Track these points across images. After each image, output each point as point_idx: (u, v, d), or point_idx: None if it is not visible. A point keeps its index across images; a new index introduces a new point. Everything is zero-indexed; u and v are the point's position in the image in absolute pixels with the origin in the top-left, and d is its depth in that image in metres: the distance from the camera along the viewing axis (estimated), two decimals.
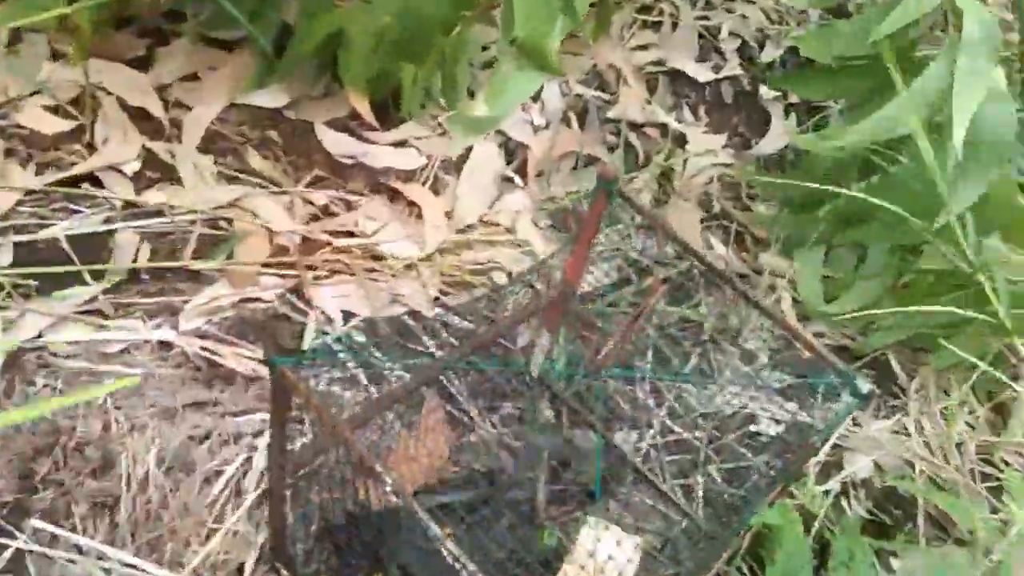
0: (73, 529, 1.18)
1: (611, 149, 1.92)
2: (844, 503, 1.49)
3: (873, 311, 1.66)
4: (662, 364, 1.61)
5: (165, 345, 1.40)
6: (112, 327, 1.40)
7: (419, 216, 1.69)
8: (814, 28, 2.21)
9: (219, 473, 1.28)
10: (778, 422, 1.58)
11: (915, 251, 1.73)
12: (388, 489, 0.87)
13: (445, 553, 0.85)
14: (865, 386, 1.12)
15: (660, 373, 1.57)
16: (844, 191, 1.57)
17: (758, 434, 1.56)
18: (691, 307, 1.71)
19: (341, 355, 0.98)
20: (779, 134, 2.08)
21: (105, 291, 1.43)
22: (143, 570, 1.15)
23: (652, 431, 1.51)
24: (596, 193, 1.29)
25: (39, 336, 1.37)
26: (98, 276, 1.44)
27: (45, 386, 1.32)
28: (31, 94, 1.56)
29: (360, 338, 1.38)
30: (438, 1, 1.43)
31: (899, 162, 1.62)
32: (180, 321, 1.43)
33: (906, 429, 1.62)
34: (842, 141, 1.52)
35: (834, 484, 1.50)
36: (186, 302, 1.46)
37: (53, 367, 1.34)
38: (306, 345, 1.47)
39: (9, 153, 1.50)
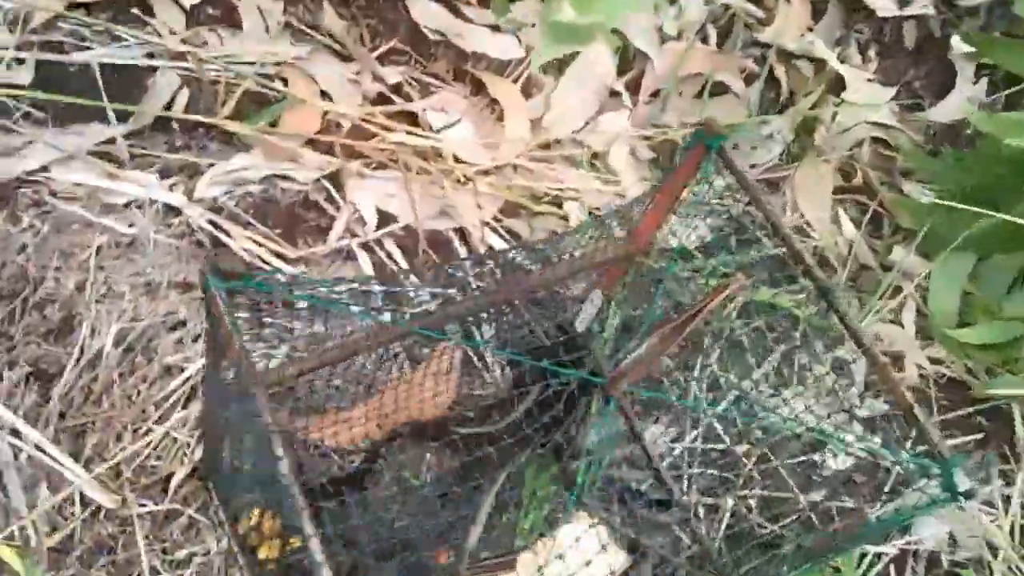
0: None
1: (749, 80, 1.60)
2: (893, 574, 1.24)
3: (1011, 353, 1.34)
4: (733, 356, 1.35)
5: (173, 210, 1.25)
6: (122, 177, 1.25)
7: (500, 118, 1.45)
8: None
9: (182, 369, 1.13)
10: (850, 455, 1.32)
11: None
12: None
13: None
14: (965, 482, 0.86)
15: (724, 368, 1.33)
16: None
17: (821, 464, 1.31)
18: (791, 292, 1.43)
19: (296, 295, 0.78)
20: (962, 100, 1.70)
21: (127, 135, 1.28)
22: (53, 458, 1.03)
23: (695, 433, 1.28)
24: (692, 145, 1.03)
25: (43, 170, 1.23)
26: (124, 117, 1.29)
27: (30, 226, 1.19)
28: None
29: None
30: None
31: None
32: (197, 185, 1.27)
33: (1006, 500, 1.33)
34: None
35: (890, 548, 1.24)
36: (211, 165, 1.29)
37: (47, 207, 1.21)
38: (332, 240, 1.30)
39: None
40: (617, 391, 0.94)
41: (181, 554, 1.06)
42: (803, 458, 1.31)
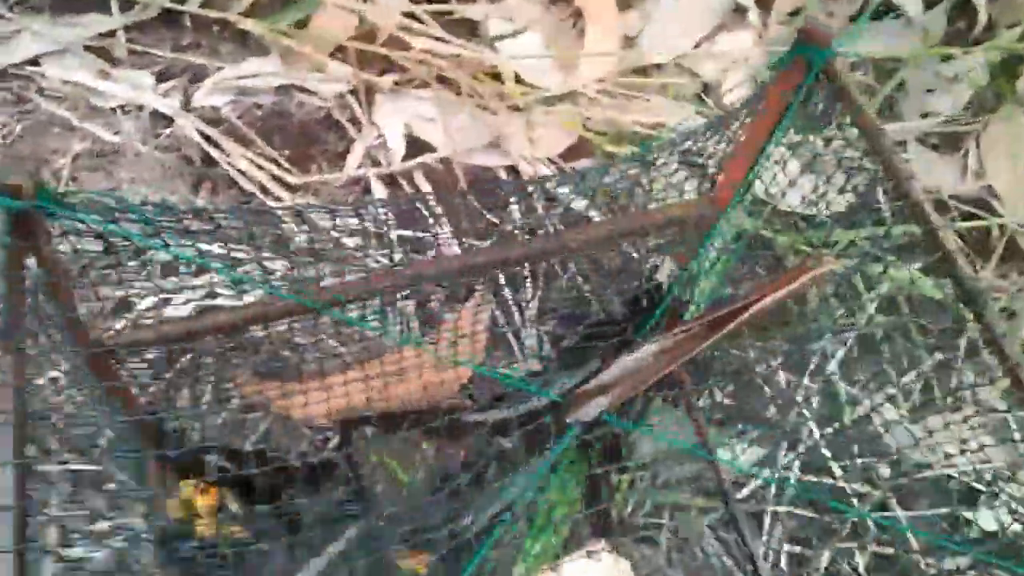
0: None
1: (931, 2, 1.21)
2: None
3: None
4: (863, 363, 1.00)
5: (166, 119, 1.05)
6: (115, 77, 1.06)
7: (583, 35, 1.15)
8: None
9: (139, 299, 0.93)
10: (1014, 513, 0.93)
11: None
12: None
13: None
14: None
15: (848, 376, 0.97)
16: None
17: (968, 522, 0.94)
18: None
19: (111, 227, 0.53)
20: None
21: (128, 27, 1.09)
22: None
23: (790, 456, 0.94)
24: (786, 63, 0.71)
25: (33, 63, 1.07)
26: (129, 7, 1.10)
27: (3, 125, 1.02)
28: None
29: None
30: None
31: None
32: (197, 92, 1.06)
33: None
34: None
35: None
36: (219, 69, 1.08)
37: (28, 106, 1.04)
38: (350, 167, 1.05)
39: None
40: (582, 416, 0.64)
41: (103, 526, 0.86)
42: (947, 510, 0.94)
